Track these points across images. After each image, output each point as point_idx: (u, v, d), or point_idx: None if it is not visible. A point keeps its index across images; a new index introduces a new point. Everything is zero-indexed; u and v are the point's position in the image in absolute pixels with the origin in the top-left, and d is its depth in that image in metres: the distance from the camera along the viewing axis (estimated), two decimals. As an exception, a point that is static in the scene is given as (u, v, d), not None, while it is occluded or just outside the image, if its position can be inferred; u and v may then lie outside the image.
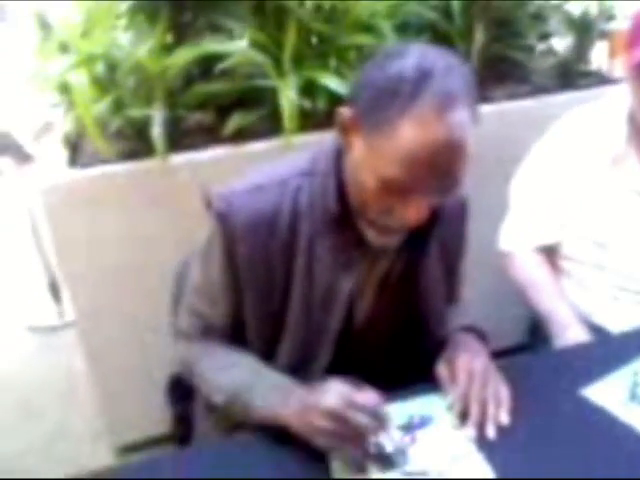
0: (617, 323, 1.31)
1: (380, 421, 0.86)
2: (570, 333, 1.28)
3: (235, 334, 1.05)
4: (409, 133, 0.79)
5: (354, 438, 0.85)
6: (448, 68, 0.81)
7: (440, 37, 1.83)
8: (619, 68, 1.85)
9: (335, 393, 0.87)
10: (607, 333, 1.33)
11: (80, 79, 1.46)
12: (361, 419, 0.84)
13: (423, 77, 0.79)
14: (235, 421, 1.00)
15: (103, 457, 1.84)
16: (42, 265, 2.62)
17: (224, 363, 1.03)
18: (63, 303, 2.59)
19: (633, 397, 0.97)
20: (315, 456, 0.88)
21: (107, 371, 1.76)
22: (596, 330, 1.33)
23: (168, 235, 1.62)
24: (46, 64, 1.61)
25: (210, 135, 1.65)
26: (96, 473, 0.95)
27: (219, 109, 1.70)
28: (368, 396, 0.88)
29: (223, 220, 0.96)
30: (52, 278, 2.64)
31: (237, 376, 0.99)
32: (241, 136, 1.62)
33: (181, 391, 1.30)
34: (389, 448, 0.88)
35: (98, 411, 1.86)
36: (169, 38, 1.67)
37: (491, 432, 0.91)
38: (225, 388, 0.99)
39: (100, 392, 1.80)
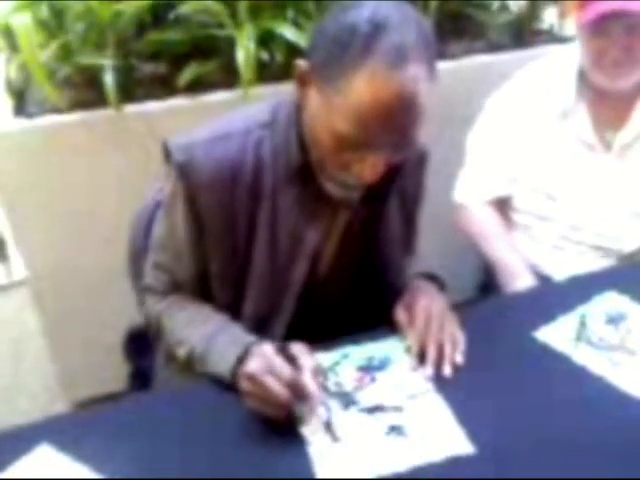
0: (561, 272, 1.37)
1: (297, 391, 0.84)
2: (519, 282, 1.34)
3: (201, 288, 1.04)
4: (361, 89, 0.78)
5: (271, 403, 0.84)
6: (403, 21, 0.79)
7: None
8: (570, 27, 1.89)
9: (259, 358, 0.86)
10: (553, 281, 1.39)
11: (24, 21, 1.39)
12: (274, 386, 0.82)
13: (376, 30, 0.77)
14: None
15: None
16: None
17: (189, 318, 1.02)
18: (10, 261, 2.50)
19: (580, 337, 1.03)
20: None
21: (60, 327, 1.73)
22: (543, 279, 1.39)
23: (120, 186, 1.58)
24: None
25: (164, 86, 1.61)
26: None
27: (173, 59, 1.65)
28: (302, 361, 0.85)
29: (185, 172, 0.93)
30: (-2, 236, 2.54)
31: (200, 331, 0.99)
32: (196, 87, 1.58)
33: (139, 345, 1.29)
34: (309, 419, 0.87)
35: (52, 369, 1.83)
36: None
37: (447, 371, 0.94)
38: (187, 342, 0.99)
39: (54, 350, 1.77)
